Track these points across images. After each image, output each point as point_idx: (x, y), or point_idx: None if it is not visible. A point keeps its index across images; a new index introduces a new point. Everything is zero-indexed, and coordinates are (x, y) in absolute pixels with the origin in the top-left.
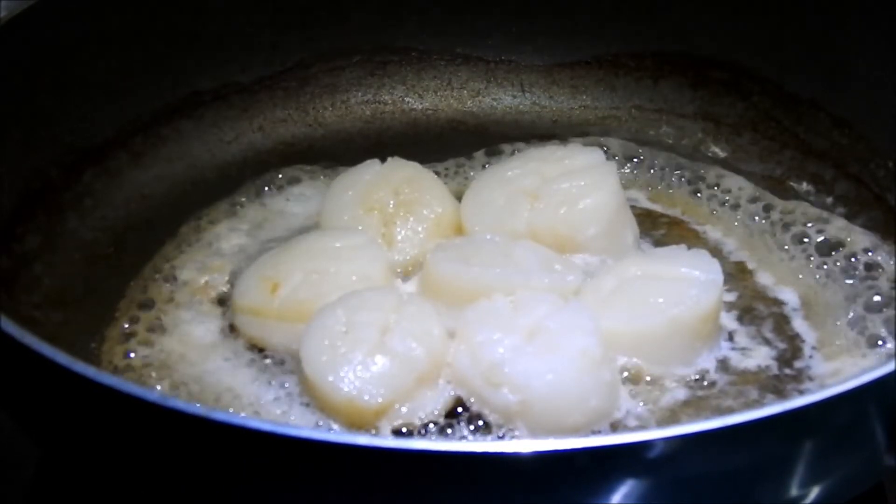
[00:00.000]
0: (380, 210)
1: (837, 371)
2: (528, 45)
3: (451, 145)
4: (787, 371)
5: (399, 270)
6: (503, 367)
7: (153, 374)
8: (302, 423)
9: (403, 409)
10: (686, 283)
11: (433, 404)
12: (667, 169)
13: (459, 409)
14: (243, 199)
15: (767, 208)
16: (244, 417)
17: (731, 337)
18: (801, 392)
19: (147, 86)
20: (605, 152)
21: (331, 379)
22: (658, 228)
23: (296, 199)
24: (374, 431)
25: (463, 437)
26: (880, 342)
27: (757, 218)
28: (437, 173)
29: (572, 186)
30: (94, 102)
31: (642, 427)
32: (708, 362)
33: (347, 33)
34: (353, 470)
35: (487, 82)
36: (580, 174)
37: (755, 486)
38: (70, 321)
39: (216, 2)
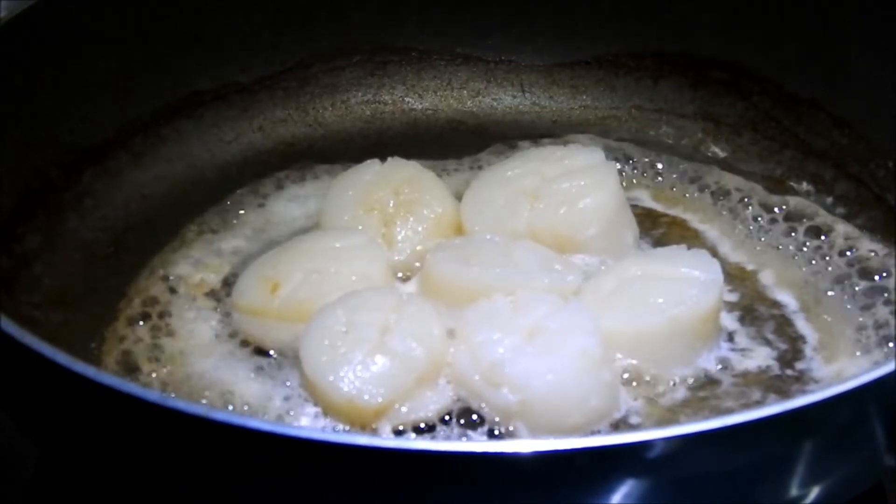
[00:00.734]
0: (380, 210)
1: (838, 372)
2: (528, 45)
3: (451, 145)
4: (789, 371)
5: (399, 270)
6: (503, 367)
7: (153, 374)
8: (303, 423)
9: (403, 409)
10: (686, 283)
11: (433, 404)
12: (667, 169)
13: (460, 410)
14: (243, 199)
15: (767, 209)
16: (244, 417)
17: (731, 337)
18: (803, 392)
19: (147, 86)
20: (605, 152)
21: (331, 379)
22: (658, 228)
23: (296, 199)
24: (374, 431)
25: (463, 437)
26: (881, 342)
27: (757, 218)
28: (437, 173)
29: (572, 186)
30: (94, 102)
31: (642, 427)
32: (708, 362)
33: (347, 33)
34: (353, 470)
35: (487, 82)
36: (580, 174)
37: (755, 486)
38: (70, 321)
39: (216, 2)
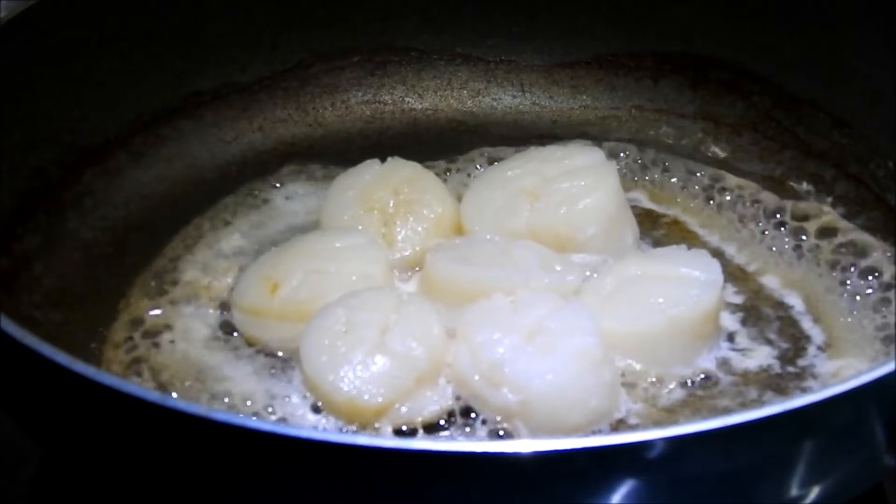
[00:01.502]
0: (380, 210)
1: (840, 371)
2: (528, 45)
3: (451, 145)
4: (790, 369)
5: (399, 270)
6: (503, 367)
7: (153, 374)
8: (303, 423)
9: (403, 409)
10: (686, 283)
11: (433, 404)
12: (667, 169)
13: (460, 410)
14: (243, 199)
15: (767, 209)
16: (244, 417)
17: (731, 338)
18: (803, 392)
19: (147, 86)
20: (605, 152)
21: (331, 379)
22: (658, 229)
23: (296, 199)
24: (374, 431)
25: (463, 438)
26: (881, 342)
27: (757, 218)
28: (437, 173)
29: (572, 186)
30: (94, 102)
31: (642, 427)
32: (708, 362)
33: (347, 33)
34: (353, 470)
35: (487, 82)
36: (580, 174)
37: (755, 486)
38: (70, 321)
39: (216, 2)
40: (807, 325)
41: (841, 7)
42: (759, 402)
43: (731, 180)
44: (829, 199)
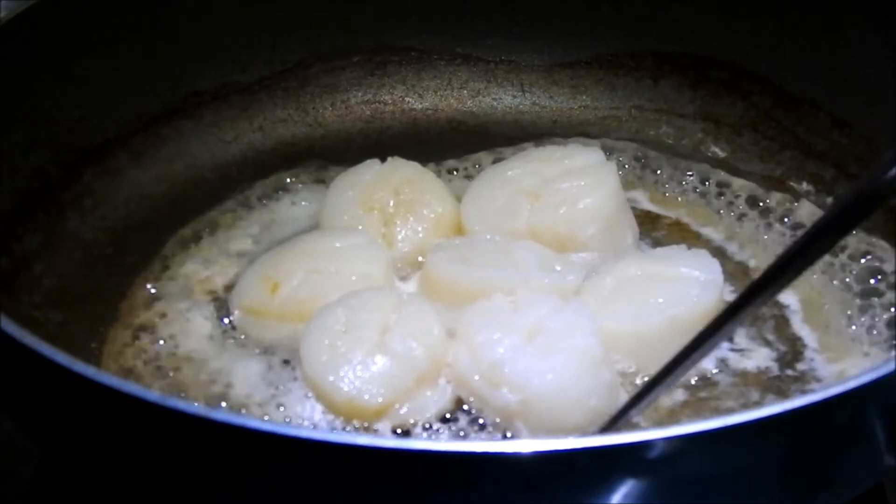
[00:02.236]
0: (380, 210)
1: (838, 372)
2: (528, 45)
3: (451, 145)
4: (789, 372)
5: (399, 270)
6: (503, 367)
7: (153, 374)
8: (304, 423)
9: (403, 409)
10: (686, 283)
11: (433, 404)
12: (667, 169)
13: (460, 410)
14: (243, 199)
15: (767, 209)
16: (244, 417)
17: (730, 338)
18: (802, 392)
19: (147, 86)
20: (605, 152)
21: (331, 379)
22: (659, 229)
23: (295, 199)
24: (374, 431)
25: (463, 438)
26: (881, 342)
27: (757, 219)
28: (437, 173)
29: (572, 186)
30: (94, 102)
31: (642, 427)
32: (708, 363)
33: (347, 33)
34: (353, 470)
35: (487, 82)
36: (580, 174)
37: (755, 486)
38: (70, 321)
39: (216, 2)
40: (806, 325)
41: (841, 7)
42: (758, 403)
43: (731, 180)
44: (829, 199)
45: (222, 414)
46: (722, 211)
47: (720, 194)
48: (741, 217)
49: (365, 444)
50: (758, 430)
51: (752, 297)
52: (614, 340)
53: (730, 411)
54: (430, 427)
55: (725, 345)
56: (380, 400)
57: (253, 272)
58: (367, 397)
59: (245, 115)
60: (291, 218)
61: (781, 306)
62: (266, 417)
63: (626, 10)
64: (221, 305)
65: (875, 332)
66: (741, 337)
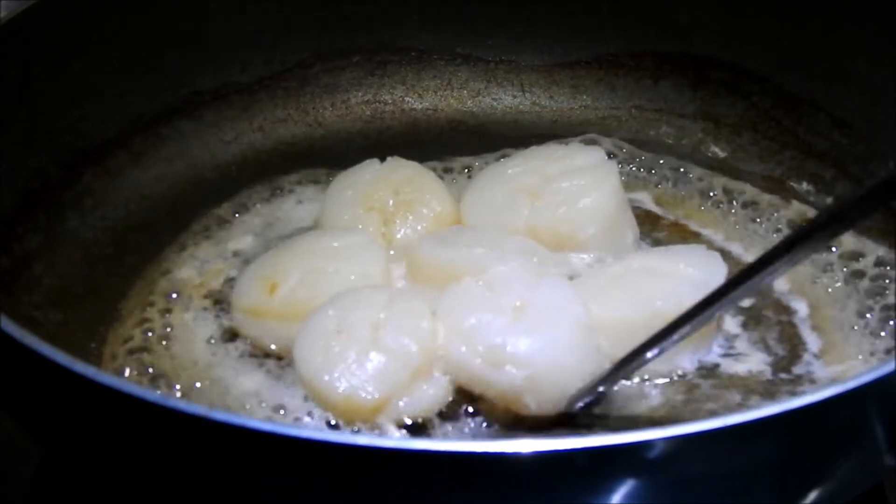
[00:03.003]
0: (379, 209)
1: (838, 373)
2: (528, 45)
3: (451, 145)
4: (783, 375)
5: (398, 269)
6: (504, 346)
7: (153, 374)
8: (303, 422)
9: (401, 404)
10: (681, 280)
11: (430, 397)
12: (667, 169)
13: (457, 400)
14: (243, 199)
15: (767, 209)
16: (244, 417)
17: (728, 339)
18: (801, 393)
19: (147, 86)
20: (605, 152)
21: (326, 378)
22: (659, 229)
23: (295, 199)
24: (376, 430)
25: (462, 435)
26: (882, 343)
27: (756, 218)
28: (437, 173)
29: (572, 185)
30: (94, 102)
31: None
32: (691, 364)
33: (347, 33)
34: (354, 470)
35: (487, 82)
36: (580, 173)
37: (755, 486)
38: (70, 321)
39: (216, 2)
40: (805, 325)
41: (841, 7)
42: (759, 404)
43: (731, 180)
44: (829, 200)
45: (222, 414)
46: (722, 211)
47: (720, 195)
48: (741, 217)
49: (365, 444)
50: (758, 431)
51: (731, 288)
52: (596, 324)
53: (729, 412)
54: (429, 421)
55: (724, 346)
56: (377, 396)
57: (251, 272)
58: (363, 394)
59: (245, 115)
60: (291, 218)
61: (782, 306)
62: (265, 417)
63: (626, 10)
64: (221, 305)
65: (876, 332)
66: (741, 338)
